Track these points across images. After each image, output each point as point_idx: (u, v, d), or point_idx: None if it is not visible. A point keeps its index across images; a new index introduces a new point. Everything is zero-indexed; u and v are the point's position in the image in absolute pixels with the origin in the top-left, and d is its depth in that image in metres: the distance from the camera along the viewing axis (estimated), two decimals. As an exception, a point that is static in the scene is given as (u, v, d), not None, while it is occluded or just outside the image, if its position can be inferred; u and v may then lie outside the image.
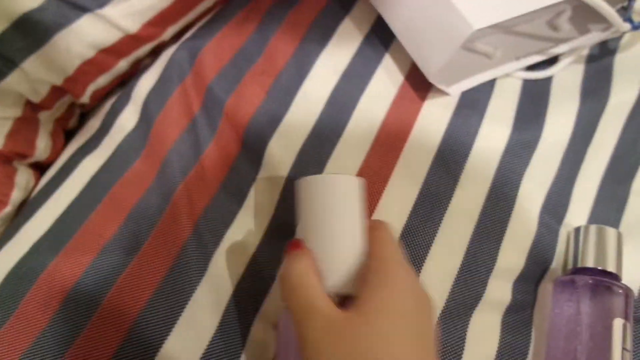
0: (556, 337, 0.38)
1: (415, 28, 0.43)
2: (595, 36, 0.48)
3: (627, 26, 0.44)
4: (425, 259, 0.38)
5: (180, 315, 0.35)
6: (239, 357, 0.35)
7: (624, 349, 0.36)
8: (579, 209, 0.43)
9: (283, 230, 0.38)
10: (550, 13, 0.46)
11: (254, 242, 0.38)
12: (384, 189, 0.39)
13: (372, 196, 0.39)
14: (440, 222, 0.39)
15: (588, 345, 0.36)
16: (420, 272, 0.37)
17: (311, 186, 0.34)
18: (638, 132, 0.45)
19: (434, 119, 0.43)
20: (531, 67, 0.47)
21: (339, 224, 0.33)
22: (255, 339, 0.36)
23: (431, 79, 0.43)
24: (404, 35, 0.44)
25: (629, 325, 0.36)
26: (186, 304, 0.35)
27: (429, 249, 0.38)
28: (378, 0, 0.46)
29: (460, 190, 0.40)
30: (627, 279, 0.39)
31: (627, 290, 0.37)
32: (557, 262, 0.41)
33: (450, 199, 0.40)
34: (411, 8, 0.42)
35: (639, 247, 0.41)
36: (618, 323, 0.36)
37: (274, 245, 0.38)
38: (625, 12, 0.45)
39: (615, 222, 0.43)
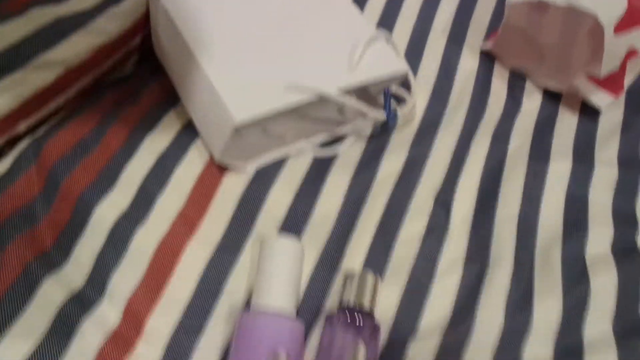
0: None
1: (199, 115, 0.53)
2: (375, 118, 0.58)
3: (382, 115, 0.55)
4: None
5: None
6: None
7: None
8: (355, 257, 0.52)
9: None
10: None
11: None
12: (182, 250, 0.49)
13: (173, 256, 0.48)
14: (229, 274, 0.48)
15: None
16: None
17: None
18: (404, 197, 0.55)
19: (230, 190, 0.53)
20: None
21: None
22: None
23: (217, 160, 0.52)
24: (196, 121, 0.54)
25: (369, 350, 0.45)
26: None
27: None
28: (179, 90, 0.55)
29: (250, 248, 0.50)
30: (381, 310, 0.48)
31: (373, 327, 0.46)
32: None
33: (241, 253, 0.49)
34: (195, 96, 0.51)
35: (396, 287, 0.50)
36: (362, 350, 0.45)
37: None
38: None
39: (384, 265, 0.51)
